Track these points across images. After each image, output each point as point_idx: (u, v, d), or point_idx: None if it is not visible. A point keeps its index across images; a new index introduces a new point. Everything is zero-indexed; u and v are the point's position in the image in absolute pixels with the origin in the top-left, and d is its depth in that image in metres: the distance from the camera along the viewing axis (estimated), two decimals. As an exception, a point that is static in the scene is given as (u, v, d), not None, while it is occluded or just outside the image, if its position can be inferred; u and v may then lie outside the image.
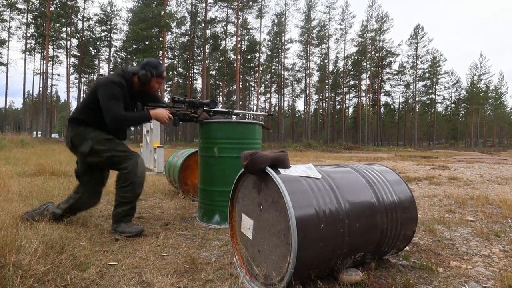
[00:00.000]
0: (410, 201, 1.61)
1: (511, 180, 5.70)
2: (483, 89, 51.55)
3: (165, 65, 35.14)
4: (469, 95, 51.68)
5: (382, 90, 50.65)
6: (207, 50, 39.64)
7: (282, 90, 49.34)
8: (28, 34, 35.24)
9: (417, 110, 49.24)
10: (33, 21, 34.36)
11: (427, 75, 49.43)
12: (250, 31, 43.76)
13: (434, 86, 50.99)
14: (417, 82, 49.02)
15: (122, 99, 2.06)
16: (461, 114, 56.45)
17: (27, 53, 36.26)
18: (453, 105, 55.99)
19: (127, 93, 2.14)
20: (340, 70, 50.38)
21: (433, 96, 51.96)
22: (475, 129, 53.06)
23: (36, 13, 33.61)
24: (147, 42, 33.82)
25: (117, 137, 2.21)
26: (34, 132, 36.10)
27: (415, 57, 48.39)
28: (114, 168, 2.13)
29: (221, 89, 46.14)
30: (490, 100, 53.63)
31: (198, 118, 2.38)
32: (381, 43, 47.33)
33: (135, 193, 2.09)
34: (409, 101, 51.64)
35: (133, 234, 2.04)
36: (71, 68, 39.24)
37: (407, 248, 1.94)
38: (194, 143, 33.04)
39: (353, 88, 51.91)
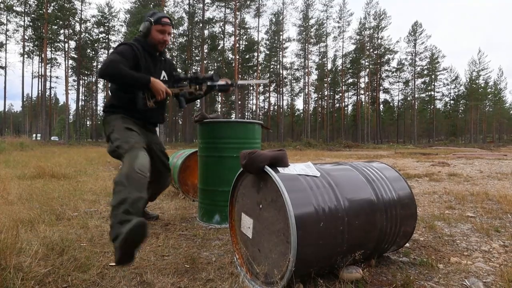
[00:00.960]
0: (409, 198, 1.61)
1: (511, 175, 5.70)
2: (482, 85, 51.56)
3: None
4: (468, 91, 51.71)
5: (381, 87, 50.68)
6: (205, 50, 39.62)
7: (281, 89, 49.33)
8: (26, 37, 35.21)
9: (416, 107, 49.23)
10: (31, 24, 34.33)
11: (425, 72, 49.45)
12: (248, 30, 43.73)
13: (433, 83, 51.02)
14: (416, 79, 49.01)
15: (130, 58, 1.88)
16: (460, 111, 56.48)
17: (25, 56, 36.24)
18: (452, 102, 56.03)
19: (145, 56, 1.99)
20: (339, 68, 50.37)
21: (432, 93, 52.00)
22: (474, 125, 53.08)
23: (33, 15, 33.57)
24: (145, 43, 33.75)
25: (148, 121, 2.09)
26: (34, 135, 36.08)
27: (413, 54, 48.39)
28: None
29: (220, 89, 46.03)
30: (489, 96, 53.63)
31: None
32: (379, 41, 47.34)
33: (128, 192, 1.46)
34: (408, 98, 51.67)
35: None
36: (70, 70, 39.20)
37: (407, 244, 1.94)
38: (194, 144, 33.04)
39: (352, 86, 51.93)
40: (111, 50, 2.02)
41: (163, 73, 2.14)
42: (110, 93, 2.08)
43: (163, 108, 2.21)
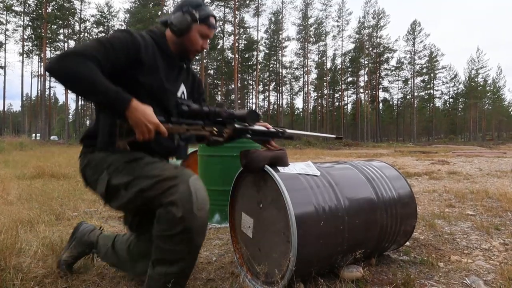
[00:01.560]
0: (409, 197, 1.61)
1: (510, 173, 5.71)
2: (481, 83, 51.59)
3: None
4: (467, 89, 51.74)
5: (380, 86, 50.69)
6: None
7: (280, 88, 49.32)
8: (25, 37, 35.15)
9: (415, 106, 49.27)
10: (30, 23, 34.27)
11: (425, 70, 49.47)
12: (248, 29, 43.70)
13: (432, 81, 51.03)
14: (415, 78, 49.04)
15: (122, 50, 1.09)
16: (459, 109, 56.51)
17: (25, 55, 36.18)
18: (451, 100, 56.07)
19: (157, 57, 1.20)
20: (338, 67, 50.37)
21: (431, 91, 52.01)
22: (473, 123, 53.13)
23: (32, 15, 33.51)
24: (145, 43, 33.76)
25: (156, 151, 1.22)
26: (33, 135, 36.04)
27: (412, 53, 48.39)
28: (153, 209, 1.08)
29: (219, 88, 46.13)
30: (488, 94, 53.67)
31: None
32: (378, 39, 47.35)
33: (192, 246, 1.07)
34: (408, 97, 51.68)
35: None
36: (69, 70, 39.14)
37: (407, 243, 1.94)
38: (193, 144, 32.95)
39: (351, 85, 51.92)
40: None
41: (182, 87, 1.34)
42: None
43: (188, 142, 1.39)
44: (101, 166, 1.15)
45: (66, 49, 1.18)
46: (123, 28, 1.31)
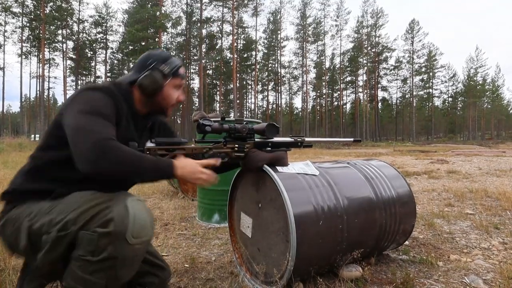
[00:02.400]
0: (408, 196, 1.61)
1: (510, 172, 5.72)
2: (480, 82, 51.62)
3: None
4: (466, 88, 51.76)
5: (379, 85, 50.70)
6: (204, 50, 39.56)
7: (279, 87, 49.31)
8: (24, 38, 35.08)
9: (414, 105, 49.29)
10: (28, 25, 34.20)
11: (423, 69, 49.49)
12: (246, 29, 43.66)
13: (431, 80, 51.05)
14: (414, 77, 49.05)
15: (112, 120, 0.99)
16: (458, 108, 56.55)
17: (23, 56, 36.11)
18: (450, 99, 56.12)
19: (128, 118, 1.10)
20: (337, 66, 50.38)
21: (430, 90, 52.04)
22: (473, 122, 53.17)
23: (30, 16, 33.45)
24: (143, 43, 33.72)
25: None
26: (32, 136, 35.97)
27: (411, 52, 48.41)
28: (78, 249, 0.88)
29: (218, 88, 46.09)
30: (487, 93, 53.70)
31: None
32: (377, 39, 47.33)
33: (111, 278, 0.87)
34: (407, 96, 51.71)
35: None
36: (68, 70, 39.10)
37: (406, 242, 1.94)
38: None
39: (350, 84, 51.92)
40: (78, 95, 1.00)
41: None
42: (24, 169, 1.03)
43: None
44: (22, 216, 0.94)
45: (81, 125, 0.91)
46: (94, 85, 1.04)
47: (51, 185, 0.98)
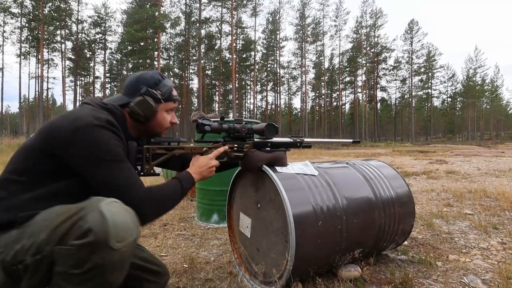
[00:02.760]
0: (407, 196, 1.61)
1: (509, 172, 5.73)
2: (479, 83, 51.76)
3: (161, 65, 35.06)
4: (465, 88, 51.90)
5: (378, 85, 50.78)
6: (202, 50, 39.56)
7: (278, 88, 49.34)
8: (22, 38, 35.02)
9: (413, 105, 49.37)
10: (27, 25, 34.15)
11: (422, 69, 49.58)
12: (245, 30, 43.66)
13: (430, 81, 51.16)
14: (413, 77, 49.15)
15: (125, 155, 0.99)
16: (457, 108, 56.69)
17: (22, 57, 36.05)
18: (449, 99, 56.24)
19: (125, 144, 1.04)
20: (336, 66, 50.45)
21: (429, 90, 52.15)
22: (472, 123, 53.29)
23: (29, 16, 33.40)
24: (142, 43, 33.72)
25: None
26: (31, 136, 35.90)
27: (410, 52, 48.51)
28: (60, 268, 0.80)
29: (217, 89, 46.09)
30: (486, 93, 53.86)
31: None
32: (376, 39, 47.40)
33: (104, 286, 0.82)
34: (406, 96, 51.81)
35: None
36: (67, 71, 39.06)
37: (405, 242, 1.94)
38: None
39: (349, 85, 52.00)
40: (73, 114, 0.93)
41: None
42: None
43: None
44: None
45: (115, 181, 0.91)
46: (98, 122, 0.92)
47: (18, 213, 0.87)
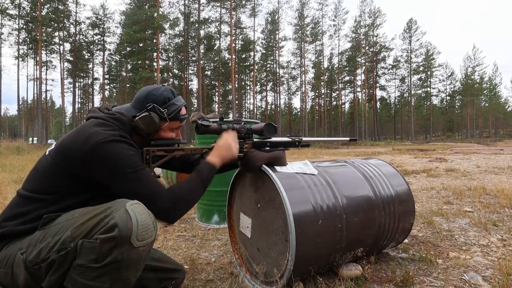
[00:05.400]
0: (407, 194, 1.61)
1: (507, 169, 5.74)
2: (478, 81, 51.83)
3: (160, 66, 35.03)
4: (464, 87, 51.95)
5: (378, 85, 50.82)
6: (202, 51, 39.54)
7: (278, 88, 49.35)
8: (20, 40, 34.97)
9: (413, 104, 49.43)
10: (25, 27, 34.09)
11: (421, 68, 49.62)
12: (244, 30, 43.66)
13: (429, 79, 51.20)
14: (412, 76, 49.20)
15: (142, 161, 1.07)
16: (456, 106, 56.77)
17: (20, 59, 36.00)
18: (448, 98, 56.28)
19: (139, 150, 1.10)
20: (335, 66, 50.46)
21: (428, 89, 52.18)
22: (471, 121, 53.35)
23: (27, 18, 33.34)
24: (141, 44, 33.68)
25: None
26: (30, 139, 35.90)
27: (409, 51, 48.54)
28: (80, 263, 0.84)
29: (217, 89, 46.07)
30: (485, 91, 53.94)
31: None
32: (374, 38, 47.45)
33: (119, 282, 0.86)
34: (405, 95, 51.87)
35: None
36: (65, 72, 39.01)
37: (406, 240, 1.94)
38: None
39: (348, 84, 52.01)
40: (86, 127, 0.99)
41: None
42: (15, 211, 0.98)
43: None
44: (12, 252, 0.91)
45: (141, 190, 0.98)
46: (111, 137, 0.97)
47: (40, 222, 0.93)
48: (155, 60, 34.73)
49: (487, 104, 56.24)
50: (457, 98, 55.49)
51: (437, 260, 1.65)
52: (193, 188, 1.09)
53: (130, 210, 0.85)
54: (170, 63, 42.37)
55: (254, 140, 1.37)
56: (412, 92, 49.79)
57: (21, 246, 0.90)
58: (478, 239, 2.00)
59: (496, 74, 55.12)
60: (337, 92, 52.45)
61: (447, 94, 55.68)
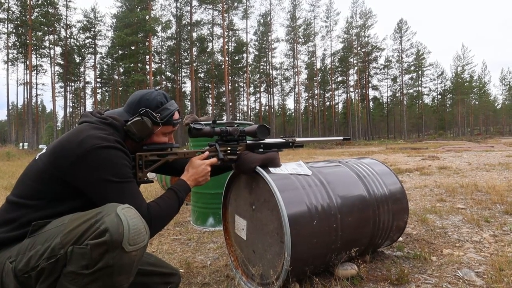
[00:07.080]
0: (400, 192, 1.63)
1: (498, 166, 5.83)
2: (467, 79, 52.68)
3: (153, 69, 34.84)
4: (454, 85, 52.77)
5: (370, 84, 51.27)
6: (194, 53, 39.45)
7: (271, 89, 49.46)
8: (10, 44, 34.46)
9: (405, 103, 50.01)
10: (14, 31, 33.60)
11: (412, 68, 50.25)
12: (237, 32, 43.70)
13: (420, 79, 51.86)
14: (403, 75, 49.79)
15: (131, 172, 1.03)
16: (447, 105, 57.57)
17: (10, 63, 35.45)
18: (439, 96, 57.06)
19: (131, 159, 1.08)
20: (328, 67, 50.78)
21: (420, 88, 52.84)
22: (462, 119, 54.16)
23: (17, 22, 32.88)
24: (133, 47, 33.46)
25: None
26: (21, 144, 35.30)
27: (400, 51, 49.12)
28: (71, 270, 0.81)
29: (210, 91, 45.97)
30: (475, 90, 54.83)
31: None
32: (366, 39, 47.90)
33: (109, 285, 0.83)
34: (397, 95, 52.45)
35: None
36: (56, 77, 38.53)
37: (400, 239, 1.96)
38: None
39: (341, 84, 52.38)
40: (79, 132, 0.97)
41: None
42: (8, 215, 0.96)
43: None
44: (1, 262, 0.88)
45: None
46: (106, 143, 0.95)
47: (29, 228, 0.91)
48: (148, 63, 34.51)
49: (477, 102, 57.15)
50: (448, 96, 56.30)
51: (431, 258, 1.66)
52: (171, 207, 1.09)
53: (121, 214, 0.83)
54: (163, 66, 42.15)
55: (248, 142, 1.38)
56: (404, 91, 50.38)
57: (10, 255, 0.88)
58: (471, 236, 2.02)
59: (485, 72, 56.11)
60: (330, 92, 52.77)
61: (438, 93, 56.47)
